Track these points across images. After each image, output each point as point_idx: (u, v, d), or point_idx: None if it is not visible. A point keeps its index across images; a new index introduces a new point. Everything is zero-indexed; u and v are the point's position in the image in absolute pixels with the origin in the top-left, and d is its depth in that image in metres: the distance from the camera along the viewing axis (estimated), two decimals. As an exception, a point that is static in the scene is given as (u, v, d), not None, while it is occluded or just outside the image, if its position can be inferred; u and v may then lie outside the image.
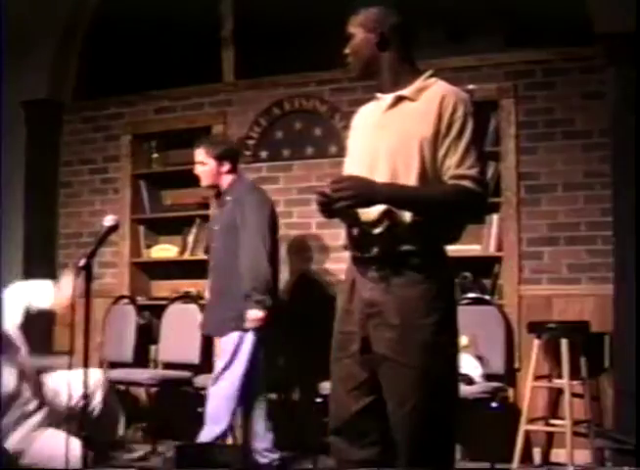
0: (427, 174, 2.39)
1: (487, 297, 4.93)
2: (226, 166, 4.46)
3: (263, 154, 5.60)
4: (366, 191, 2.33)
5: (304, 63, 5.38)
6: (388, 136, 2.46)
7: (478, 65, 5.05)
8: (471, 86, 5.02)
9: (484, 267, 5.02)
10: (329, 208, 2.37)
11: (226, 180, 4.48)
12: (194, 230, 5.82)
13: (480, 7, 5.09)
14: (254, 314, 4.22)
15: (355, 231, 2.49)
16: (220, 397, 4.36)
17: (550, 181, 4.86)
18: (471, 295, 4.93)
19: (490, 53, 5.06)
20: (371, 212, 2.41)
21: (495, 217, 4.98)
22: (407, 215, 2.38)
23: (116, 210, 5.71)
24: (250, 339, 4.29)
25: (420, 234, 2.38)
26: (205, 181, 4.55)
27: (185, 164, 5.87)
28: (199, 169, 4.54)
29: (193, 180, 5.79)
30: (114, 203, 5.98)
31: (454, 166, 2.38)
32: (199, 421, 4.49)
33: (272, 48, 5.62)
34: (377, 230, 2.41)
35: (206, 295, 4.71)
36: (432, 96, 2.44)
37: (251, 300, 4.22)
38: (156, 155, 6.01)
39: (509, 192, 4.93)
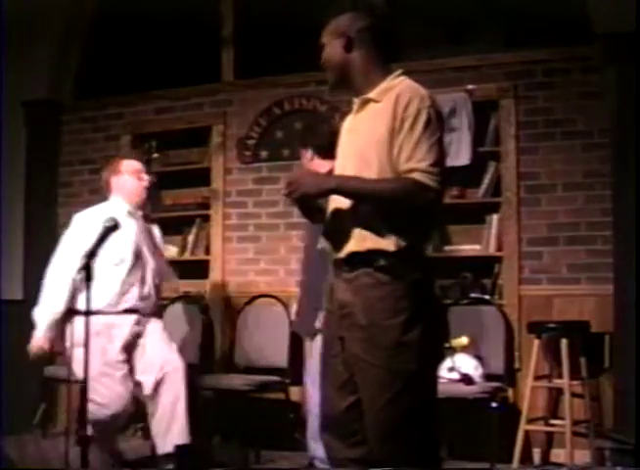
0: (386, 174, 2.43)
1: (487, 297, 4.93)
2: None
3: (263, 154, 5.60)
4: (312, 182, 2.45)
5: (304, 63, 5.35)
6: (355, 139, 2.52)
7: (478, 65, 5.05)
8: (471, 86, 5.02)
9: (484, 267, 5.02)
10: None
11: None
12: (194, 230, 5.82)
13: (480, 7, 5.09)
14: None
15: (327, 233, 2.56)
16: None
17: (550, 181, 4.86)
18: (471, 295, 4.93)
19: (490, 53, 5.06)
20: (338, 213, 2.48)
21: (495, 217, 4.98)
22: (373, 216, 2.42)
23: (116, 210, 5.71)
24: None
25: (386, 235, 2.41)
26: None
27: (185, 164, 5.89)
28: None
29: (193, 180, 5.83)
30: (114, 203, 5.98)
31: (405, 161, 2.40)
32: (199, 421, 4.49)
33: (272, 48, 5.62)
34: (344, 232, 2.46)
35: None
36: (392, 96, 2.47)
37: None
38: (156, 155, 6.00)
39: (509, 192, 4.93)
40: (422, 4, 5.04)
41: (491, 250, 4.99)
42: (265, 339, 5.25)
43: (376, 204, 2.42)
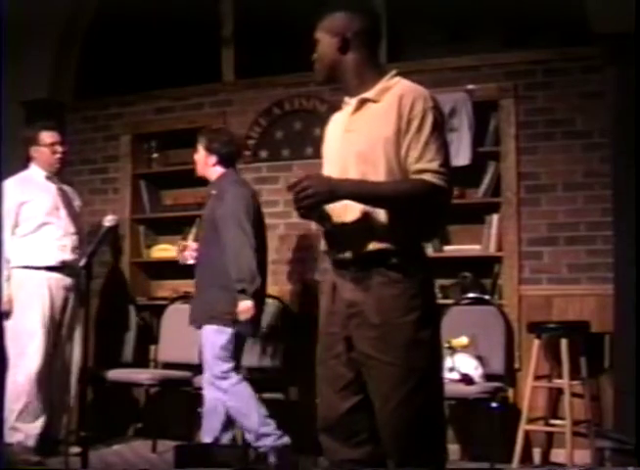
0: (394, 174, 2.43)
1: (487, 297, 4.94)
2: (212, 159, 4.51)
3: (263, 154, 5.60)
4: (324, 188, 2.38)
5: (304, 63, 5.34)
6: (355, 140, 2.50)
7: (478, 65, 5.05)
8: (471, 86, 5.03)
9: (484, 267, 5.03)
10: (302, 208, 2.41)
11: (213, 174, 4.56)
12: (194, 230, 5.81)
13: (480, 7, 5.09)
14: (244, 305, 4.22)
15: (332, 233, 2.53)
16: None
17: (550, 181, 4.86)
18: (471, 295, 4.93)
19: (490, 53, 5.07)
20: (347, 213, 2.46)
21: (495, 217, 4.98)
22: (383, 215, 2.41)
23: (116, 210, 5.71)
24: (226, 333, 4.30)
25: (396, 233, 2.41)
26: (197, 170, 4.67)
27: (185, 164, 5.89)
28: (195, 156, 4.65)
29: (193, 180, 5.81)
30: (114, 203, 5.99)
31: (414, 162, 2.41)
32: (199, 421, 4.50)
33: (272, 48, 5.62)
34: (353, 231, 2.45)
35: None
36: (392, 96, 2.47)
37: (239, 291, 4.21)
38: (156, 155, 6.01)
39: (509, 192, 4.93)
40: (422, 4, 5.04)
41: (491, 250, 4.99)
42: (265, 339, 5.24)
43: (389, 206, 2.41)
